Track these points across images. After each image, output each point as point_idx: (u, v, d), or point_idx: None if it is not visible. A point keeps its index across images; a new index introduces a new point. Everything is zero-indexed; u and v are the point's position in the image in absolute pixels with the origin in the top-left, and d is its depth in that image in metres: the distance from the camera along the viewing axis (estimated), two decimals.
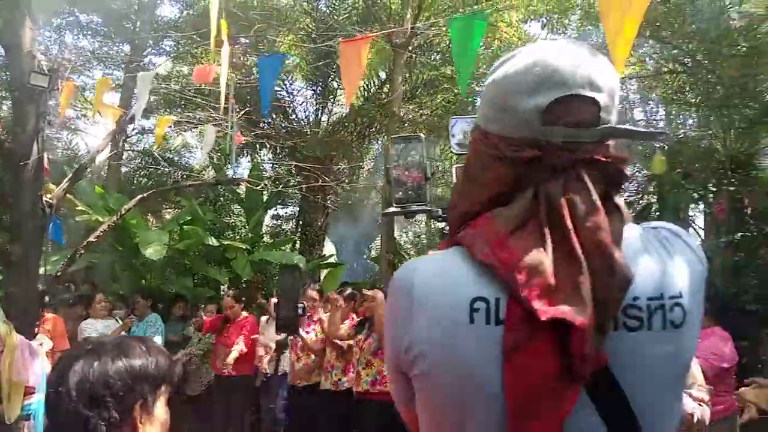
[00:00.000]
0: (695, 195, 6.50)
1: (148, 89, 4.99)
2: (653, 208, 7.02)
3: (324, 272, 9.21)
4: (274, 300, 4.77)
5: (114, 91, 9.28)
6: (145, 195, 6.48)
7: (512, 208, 0.82)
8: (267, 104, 4.60)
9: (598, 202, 0.80)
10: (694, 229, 7.47)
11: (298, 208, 11.67)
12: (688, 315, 0.81)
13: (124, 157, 10.59)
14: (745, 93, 5.38)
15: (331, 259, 10.18)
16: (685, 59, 5.66)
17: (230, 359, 4.94)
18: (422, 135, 1.68)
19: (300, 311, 3.15)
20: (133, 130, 10.57)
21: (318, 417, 4.44)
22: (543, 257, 0.78)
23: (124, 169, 10.86)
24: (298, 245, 10.23)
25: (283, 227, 12.63)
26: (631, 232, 0.84)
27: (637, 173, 7.20)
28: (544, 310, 0.75)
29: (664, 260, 0.83)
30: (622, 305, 0.79)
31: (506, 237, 0.80)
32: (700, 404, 1.87)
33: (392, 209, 1.57)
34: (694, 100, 6.36)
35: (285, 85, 10.12)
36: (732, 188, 6.06)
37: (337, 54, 5.30)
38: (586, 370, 0.75)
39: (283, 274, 3.98)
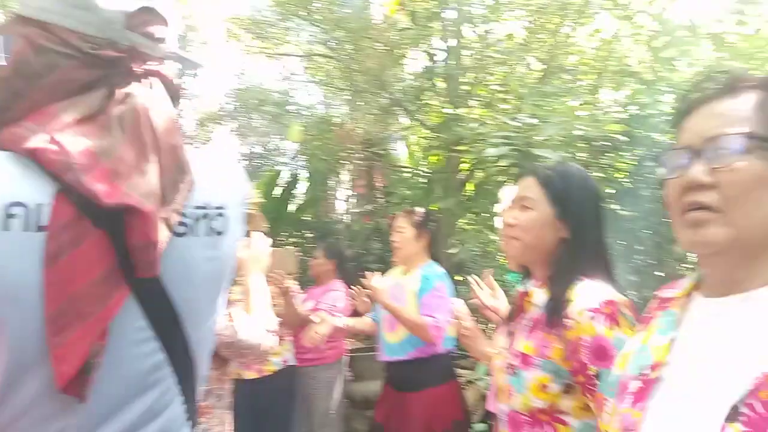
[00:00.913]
0: (339, 169, 7.26)
1: None
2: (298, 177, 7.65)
3: None
4: None
5: None
6: None
7: (80, 103, 0.79)
8: None
9: (173, 112, 0.86)
10: (339, 197, 8.34)
11: None
12: (231, 224, 0.91)
13: None
14: (380, 84, 6.16)
15: None
16: (334, 45, 6.19)
17: None
18: None
19: None
20: None
21: None
22: (110, 145, 0.76)
23: None
24: None
25: None
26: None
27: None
28: (109, 194, 0.73)
29: (211, 175, 0.90)
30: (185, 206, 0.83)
31: (70, 127, 0.77)
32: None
33: None
34: (341, 85, 7.05)
35: None
36: (368, 167, 6.99)
37: None
38: (156, 257, 0.76)
39: None
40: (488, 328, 3.66)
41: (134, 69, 0.82)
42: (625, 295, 1.32)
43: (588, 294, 1.28)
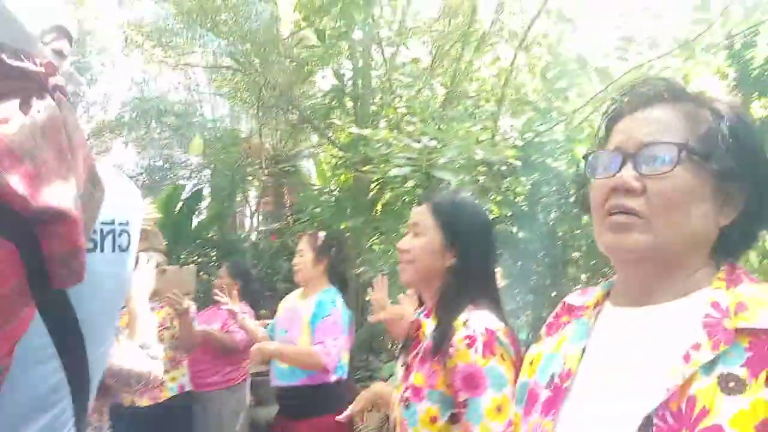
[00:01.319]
0: (246, 185, 7.09)
1: None
2: (203, 192, 7.39)
3: None
4: None
5: None
6: None
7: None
8: None
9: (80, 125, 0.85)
10: (246, 214, 8.14)
11: None
12: (133, 241, 0.92)
13: None
14: (289, 99, 6.11)
15: None
16: (241, 59, 6.07)
17: None
18: None
19: None
20: None
21: None
22: (32, 148, 0.73)
23: None
24: None
25: None
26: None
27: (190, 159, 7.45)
28: (35, 197, 0.69)
29: (115, 190, 0.90)
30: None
31: None
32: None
33: None
34: (248, 99, 6.92)
35: None
36: (277, 184, 6.89)
37: None
38: (84, 263, 0.74)
39: None
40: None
41: (47, 83, 0.83)
42: (506, 324, 1.36)
43: (470, 322, 1.31)
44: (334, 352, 2.71)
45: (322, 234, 3.05)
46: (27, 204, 0.69)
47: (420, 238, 1.44)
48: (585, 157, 0.85)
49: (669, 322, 0.74)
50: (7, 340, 0.70)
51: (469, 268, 1.40)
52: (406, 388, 1.38)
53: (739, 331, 0.67)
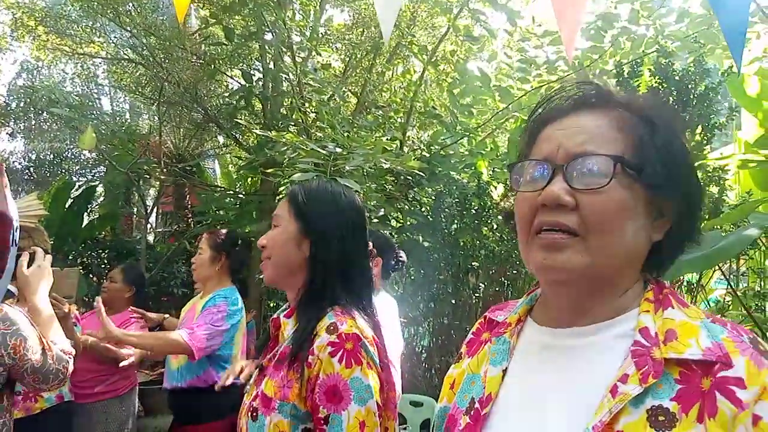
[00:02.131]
0: (143, 184, 6.74)
1: None
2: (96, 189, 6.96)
3: None
4: None
5: None
6: None
7: None
8: None
9: None
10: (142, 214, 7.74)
11: None
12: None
13: None
14: (194, 97, 5.88)
15: None
16: (144, 52, 5.78)
17: None
18: None
19: None
20: None
21: None
22: None
23: None
24: None
25: None
26: None
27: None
28: None
29: None
30: None
31: None
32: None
33: None
34: (150, 95, 6.58)
35: None
36: (178, 184, 6.59)
37: None
38: (8, 260, 0.78)
39: None
40: None
41: None
42: (374, 326, 1.25)
43: (333, 326, 1.18)
44: (203, 337, 2.55)
45: (223, 231, 2.97)
46: None
47: (276, 230, 1.34)
48: (510, 167, 0.78)
49: (596, 348, 0.70)
50: None
51: (327, 258, 1.28)
52: (255, 396, 1.23)
53: (668, 362, 0.64)
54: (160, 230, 7.24)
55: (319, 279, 1.27)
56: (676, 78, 3.08)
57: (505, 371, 0.77)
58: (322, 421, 1.12)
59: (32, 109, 7.24)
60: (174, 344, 2.56)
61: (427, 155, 4.62)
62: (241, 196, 6.33)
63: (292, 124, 5.25)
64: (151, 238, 7.33)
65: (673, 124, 0.75)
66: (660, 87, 3.27)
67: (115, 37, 6.64)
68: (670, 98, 3.21)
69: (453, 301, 4.36)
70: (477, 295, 4.39)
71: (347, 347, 1.15)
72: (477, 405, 0.76)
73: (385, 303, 2.52)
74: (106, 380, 3.43)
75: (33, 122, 7.84)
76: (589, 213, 0.67)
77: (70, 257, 6.01)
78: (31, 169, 8.11)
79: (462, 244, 4.39)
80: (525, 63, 4.79)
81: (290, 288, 1.34)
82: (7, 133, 8.52)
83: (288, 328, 1.29)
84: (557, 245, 0.68)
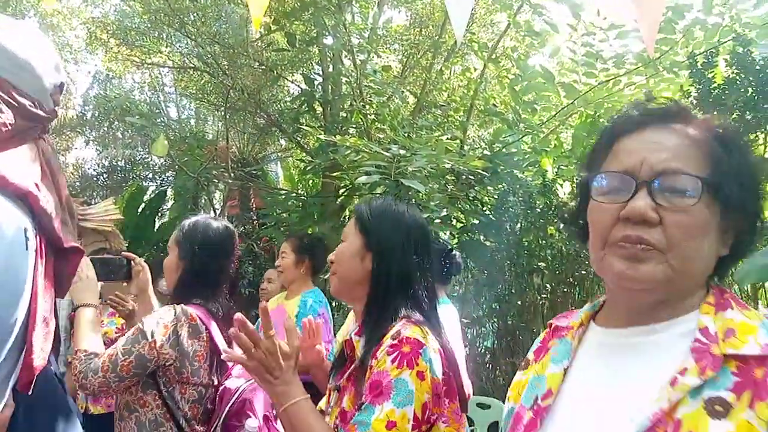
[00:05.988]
0: (211, 188, 6.97)
1: None
2: (167, 194, 7.21)
3: None
4: None
5: None
6: None
7: (26, 153, 1.04)
8: None
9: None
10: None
11: None
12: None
13: None
14: (257, 103, 6.05)
15: None
16: (209, 60, 5.98)
17: None
18: None
19: None
20: None
21: None
22: (56, 200, 1.04)
23: None
24: None
25: None
26: None
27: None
28: (66, 240, 1.04)
29: None
30: None
31: (36, 177, 1.02)
32: None
33: None
34: (215, 101, 6.82)
35: None
36: (243, 187, 6.79)
37: None
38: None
39: None
40: None
41: (47, 127, 1.09)
42: (441, 338, 1.26)
43: (397, 333, 1.20)
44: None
45: (304, 235, 3.09)
46: (61, 244, 1.05)
47: (343, 245, 1.40)
48: (585, 176, 0.80)
49: (658, 346, 0.73)
50: None
51: (388, 271, 1.31)
52: (338, 415, 1.25)
53: (726, 357, 0.67)
54: None
55: (381, 292, 1.31)
56: (756, 68, 2.90)
57: (566, 370, 0.80)
58: (358, 408, 1.15)
59: (105, 117, 7.63)
60: None
61: (489, 153, 4.55)
62: (303, 198, 6.44)
63: (353, 126, 5.30)
64: None
65: (745, 143, 0.78)
66: (737, 77, 3.11)
67: (180, 46, 6.92)
68: (749, 89, 3.05)
69: (518, 302, 4.29)
70: (544, 295, 4.30)
71: (404, 350, 1.17)
72: (540, 401, 0.80)
73: (445, 309, 2.51)
74: None
75: (106, 130, 8.26)
76: (675, 232, 0.70)
77: (144, 259, 6.27)
78: (105, 175, 8.54)
79: (527, 243, 4.31)
80: (590, 57, 4.63)
81: (356, 300, 1.39)
82: (83, 142, 9.03)
83: (360, 345, 1.32)
84: (639, 257, 0.71)
